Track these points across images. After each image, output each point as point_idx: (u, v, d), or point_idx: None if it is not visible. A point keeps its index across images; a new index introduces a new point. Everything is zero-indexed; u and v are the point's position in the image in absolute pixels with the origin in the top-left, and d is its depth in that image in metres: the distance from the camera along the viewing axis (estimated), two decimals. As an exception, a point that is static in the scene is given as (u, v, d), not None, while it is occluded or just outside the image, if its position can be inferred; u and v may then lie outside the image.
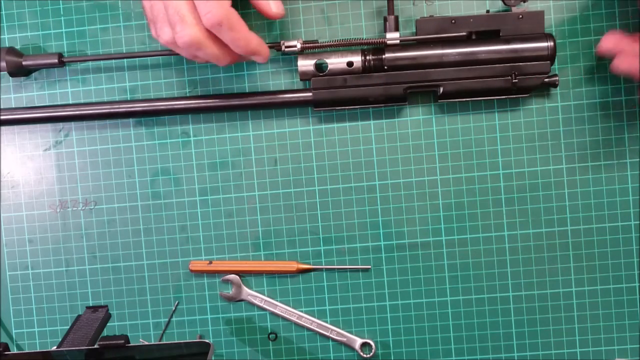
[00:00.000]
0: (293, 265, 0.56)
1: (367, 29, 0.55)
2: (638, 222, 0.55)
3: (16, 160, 0.58)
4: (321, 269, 0.57)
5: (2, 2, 0.57)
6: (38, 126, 0.58)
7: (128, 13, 0.57)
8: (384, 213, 0.56)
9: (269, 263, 0.57)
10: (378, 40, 0.52)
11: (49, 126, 0.58)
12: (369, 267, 0.56)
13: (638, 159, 0.55)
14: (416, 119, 0.56)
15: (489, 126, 0.55)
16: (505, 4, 0.51)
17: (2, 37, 0.57)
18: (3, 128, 0.58)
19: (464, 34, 0.51)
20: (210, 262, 0.57)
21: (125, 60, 0.57)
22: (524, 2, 0.51)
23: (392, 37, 0.51)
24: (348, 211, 0.56)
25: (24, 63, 0.54)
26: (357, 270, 0.57)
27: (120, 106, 0.55)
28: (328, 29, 0.56)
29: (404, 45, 0.52)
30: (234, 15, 0.46)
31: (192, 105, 0.55)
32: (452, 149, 0.56)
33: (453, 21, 0.51)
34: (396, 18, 0.52)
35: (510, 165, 0.55)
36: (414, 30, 0.53)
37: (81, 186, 0.58)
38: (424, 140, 0.56)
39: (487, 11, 0.53)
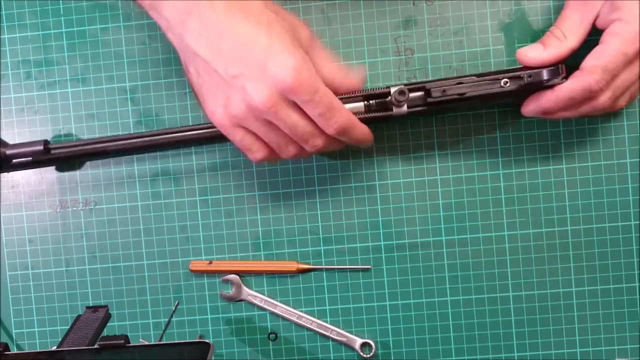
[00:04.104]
0: (293, 265, 0.56)
1: (367, 29, 0.55)
2: (638, 222, 0.55)
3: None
4: (321, 269, 0.57)
5: (2, 2, 0.57)
6: (38, 126, 0.58)
7: (128, 13, 0.57)
8: (384, 213, 0.56)
9: (269, 263, 0.57)
10: (384, 115, 0.49)
11: (49, 126, 0.58)
12: (369, 267, 0.56)
13: (638, 159, 0.55)
14: (416, 119, 0.56)
15: (489, 126, 0.55)
16: None
17: (2, 37, 0.57)
18: (3, 128, 0.58)
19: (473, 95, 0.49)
20: (210, 262, 0.57)
21: (125, 60, 0.57)
22: None
23: (400, 112, 0.49)
24: (348, 211, 0.56)
25: (7, 152, 0.53)
26: (357, 270, 0.57)
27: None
28: (328, 29, 0.56)
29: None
30: (352, 117, 0.47)
31: (205, 134, 0.53)
32: (452, 149, 0.56)
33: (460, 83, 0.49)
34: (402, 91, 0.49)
35: (510, 165, 0.55)
36: (415, 28, 0.53)
37: (81, 186, 0.58)
38: (424, 140, 0.56)
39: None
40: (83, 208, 0.58)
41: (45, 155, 0.53)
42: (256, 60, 0.42)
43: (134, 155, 0.57)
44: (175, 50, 0.46)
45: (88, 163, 0.58)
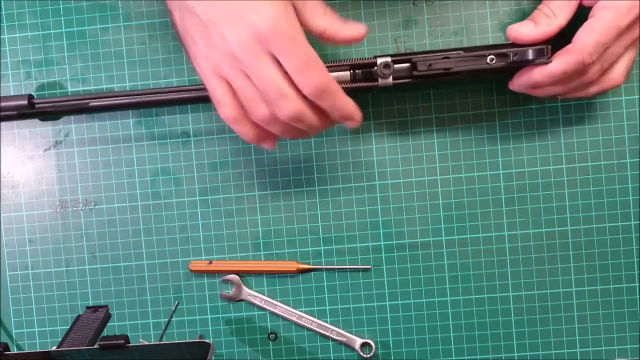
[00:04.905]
0: (293, 265, 0.56)
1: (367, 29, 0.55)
2: (638, 222, 0.55)
3: (16, 160, 0.58)
4: (321, 269, 0.57)
5: (2, 2, 0.57)
6: (38, 126, 0.58)
7: (128, 13, 0.57)
8: (384, 213, 0.56)
9: (269, 263, 0.57)
10: (370, 85, 0.50)
11: (49, 126, 0.58)
12: (369, 267, 0.56)
13: (638, 159, 0.55)
14: (416, 119, 0.56)
15: (489, 126, 0.55)
16: None
17: (2, 37, 0.57)
18: (3, 128, 0.58)
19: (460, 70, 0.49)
20: (210, 262, 0.57)
21: (125, 60, 0.57)
22: None
23: (385, 83, 0.50)
24: (348, 211, 0.56)
25: None
26: (357, 270, 0.57)
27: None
28: (328, 29, 0.56)
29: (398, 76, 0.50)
30: (333, 80, 0.46)
31: (192, 95, 0.54)
32: (452, 149, 0.56)
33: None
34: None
35: (510, 165, 0.55)
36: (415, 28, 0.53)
37: (81, 186, 0.58)
38: (424, 140, 0.56)
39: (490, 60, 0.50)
40: (83, 208, 0.58)
41: (29, 109, 0.53)
42: (236, 6, 0.43)
43: (134, 155, 0.57)
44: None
45: (88, 163, 0.58)
